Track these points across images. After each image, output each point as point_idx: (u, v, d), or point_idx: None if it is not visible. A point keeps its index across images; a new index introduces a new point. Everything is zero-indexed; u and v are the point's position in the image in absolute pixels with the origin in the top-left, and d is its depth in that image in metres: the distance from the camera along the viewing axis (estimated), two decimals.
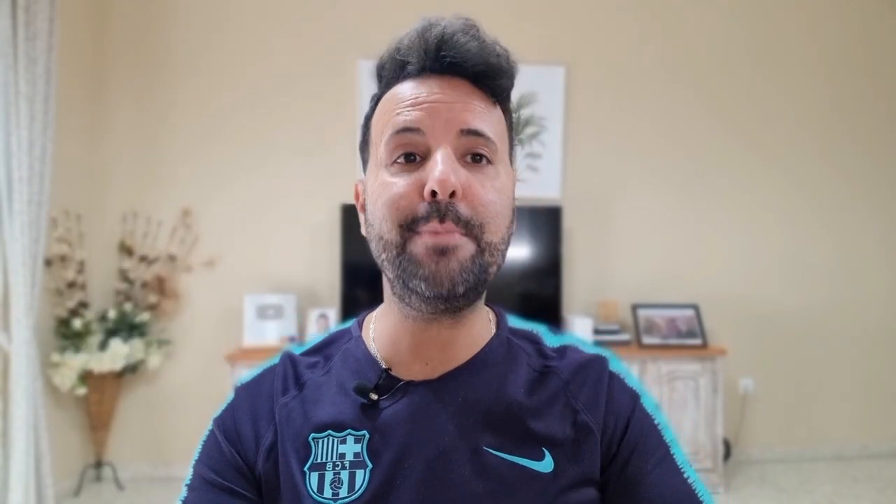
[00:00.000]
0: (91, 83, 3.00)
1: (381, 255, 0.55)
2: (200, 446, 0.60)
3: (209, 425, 0.61)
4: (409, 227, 0.52)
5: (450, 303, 0.54)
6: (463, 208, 0.52)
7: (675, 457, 0.59)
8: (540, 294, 3.11)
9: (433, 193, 0.51)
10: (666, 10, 3.33)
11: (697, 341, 3.01)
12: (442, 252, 0.52)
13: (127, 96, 3.08)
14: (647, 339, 3.01)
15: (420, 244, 0.52)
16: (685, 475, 0.58)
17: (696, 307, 3.12)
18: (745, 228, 3.35)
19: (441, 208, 0.51)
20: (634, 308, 3.12)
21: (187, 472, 0.59)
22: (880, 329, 3.41)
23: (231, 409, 0.61)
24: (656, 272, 3.29)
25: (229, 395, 0.63)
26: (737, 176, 3.35)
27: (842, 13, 3.42)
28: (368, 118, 0.61)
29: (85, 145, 2.96)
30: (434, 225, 0.52)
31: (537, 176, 3.19)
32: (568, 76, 3.22)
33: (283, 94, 3.14)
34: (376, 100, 0.60)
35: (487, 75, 0.56)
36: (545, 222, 3.07)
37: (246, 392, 0.62)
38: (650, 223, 3.31)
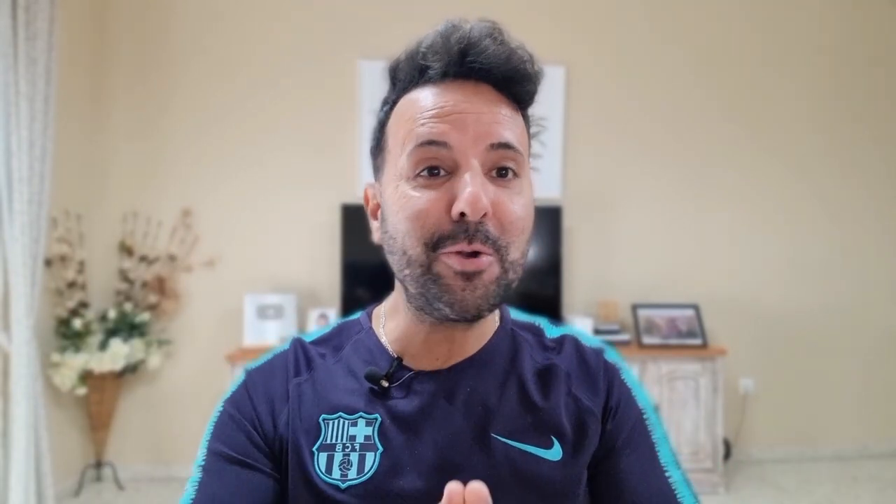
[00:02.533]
0: (91, 83, 3.00)
1: (403, 271, 0.54)
2: (211, 427, 0.59)
3: (219, 406, 0.60)
4: (434, 246, 0.51)
5: (471, 322, 0.54)
6: (491, 228, 0.51)
7: (658, 454, 0.60)
8: (540, 294, 3.11)
9: (461, 214, 0.50)
10: (666, 10, 3.32)
11: (697, 341, 3.01)
12: (469, 277, 0.51)
13: (127, 96, 3.08)
14: (647, 339, 3.01)
15: (446, 267, 0.51)
16: (667, 474, 0.59)
17: (696, 307, 3.12)
18: (744, 229, 3.35)
19: (470, 229, 0.50)
20: (634, 308, 3.12)
21: (199, 453, 0.58)
22: (880, 329, 3.41)
23: (244, 389, 0.61)
24: (656, 272, 3.29)
25: (239, 378, 0.62)
26: (736, 176, 3.35)
27: (848, 8, 3.41)
28: (383, 123, 0.59)
29: (85, 145, 2.96)
30: (462, 245, 0.50)
31: (537, 176, 3.14)
32: (568, 76, 3.22)
33: (283, 96, 3.13)
34: (391, 103, 0.58)
35: (514, 81, 0.54)
36: (545, 222, 3.07)
37: (259, 374, 0.62)
38: (650, 223, 3.31)
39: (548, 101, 3.19)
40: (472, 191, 0.49)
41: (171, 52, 3.10)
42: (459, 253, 0.51)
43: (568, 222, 3.15)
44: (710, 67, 3.34)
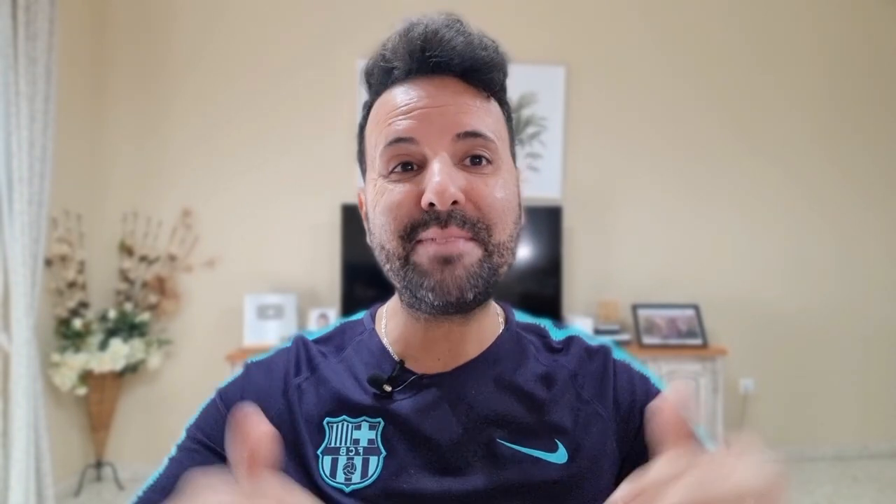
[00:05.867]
0: (91, 83, 3.00)
1: (385, 266, 0.55)
2: (199, 411, 0.61)
3: (212, 394, 0.62)
4: (409, 236, 0.52)
5: (459, 308, 0.53)
6: (469, 211, 0.51)
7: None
8: (540, 294, 3.11)
9: (431, 204, 0.50)
10: (666, 10, 3.33)
11: (698, 341, 3.01)
12: (446, 261, 0.51)
13: (127, 96, 3.08)
14: (647, 339, 3.01)
15: (423, 253, 0.52)
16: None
17: (696, 307, 3.12)
18: (745, 228, 3.35)
19: (441, 216, 0.50)
20: (634, 308, 3.12)
21: (181, 434, 0.59)
22: (880, 329, 3.41)
23: (239, 382, 0.62)
24: (656, 272, 3.29)
25: (239, 370, 0.63)
26: (737, 176, 3.35)
27: (845, 12, 3.41)
28: (362, 127, 0.60)
29: (85, 145, 2.96)
30: (435, 231, 0.51)
31: (537, 176, 3.19)
32: (568, 76, 3.22)
33: (283, 95, 3.13)
34: (368, 107, 0.59)
35: (477, 70, 0.54)
36: (545, 222, 3.07)
37: (258, 369, 0.62)
38: (650, 223, 3.31)
39: (548, 101, 3.20)
40: (438, 180, 0.50)
41: (171, 52, 3.10)
42: (434, 240, 0.51)
43: (568, 222, 3.15)
44: (710, 68, 3.34)
